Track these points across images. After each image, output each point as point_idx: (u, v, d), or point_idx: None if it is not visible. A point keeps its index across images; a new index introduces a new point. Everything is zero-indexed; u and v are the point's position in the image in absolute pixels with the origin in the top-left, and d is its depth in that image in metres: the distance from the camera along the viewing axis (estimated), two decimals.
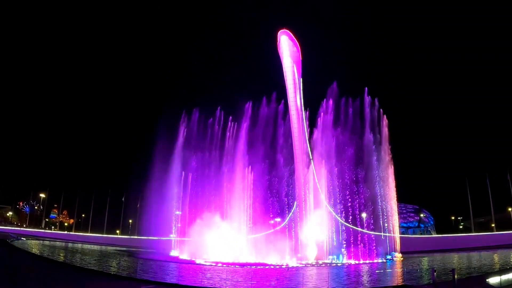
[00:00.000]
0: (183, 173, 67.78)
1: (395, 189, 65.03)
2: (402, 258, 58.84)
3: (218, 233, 60.54)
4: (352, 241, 61.24)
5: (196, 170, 69.01)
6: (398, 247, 61.98)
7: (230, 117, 71.20)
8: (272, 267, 47.80)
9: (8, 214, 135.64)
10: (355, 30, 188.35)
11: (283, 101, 70.01)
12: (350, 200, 62.95)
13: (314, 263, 54.53)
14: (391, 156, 65.41)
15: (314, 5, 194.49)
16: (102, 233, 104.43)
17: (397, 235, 63.52)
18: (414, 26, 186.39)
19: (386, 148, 65.42)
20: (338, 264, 53.21)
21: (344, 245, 60.76)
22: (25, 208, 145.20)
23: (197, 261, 52.77)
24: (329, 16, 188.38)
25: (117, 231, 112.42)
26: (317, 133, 67.63)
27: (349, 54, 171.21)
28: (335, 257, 58.53)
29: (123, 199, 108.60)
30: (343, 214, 63.25)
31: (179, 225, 67.40)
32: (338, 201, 63.30)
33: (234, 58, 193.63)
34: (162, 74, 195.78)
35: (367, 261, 56.99)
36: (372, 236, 62.50)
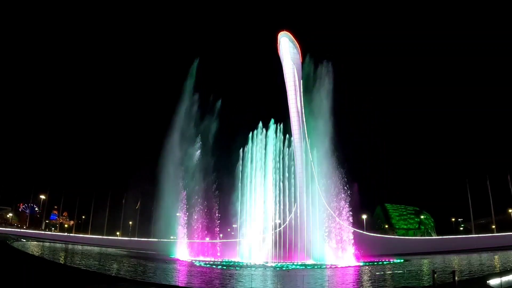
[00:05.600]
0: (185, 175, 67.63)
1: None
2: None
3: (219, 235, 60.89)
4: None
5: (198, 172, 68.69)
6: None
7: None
8: (272, 268, 47.75)
9: (8, 216, 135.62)
10: (355, 29, 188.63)
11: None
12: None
13: (315, 264, 54.50)
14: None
15: (313, 5, 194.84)
16: (102, 235, 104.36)
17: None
18: (416, 25, 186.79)
19: None
20: (339, 266, 53.11)
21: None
22: (26, 210, 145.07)
23: (197, 263, 52.79)
24: (329, 16, 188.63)
25: (117, 233, 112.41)
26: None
27: (350, 54, 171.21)
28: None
29: (123, 201, 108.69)
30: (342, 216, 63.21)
31: (179, 226, 67.49)
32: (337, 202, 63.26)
33: (234, 59, 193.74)
34: (161, 75, 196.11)
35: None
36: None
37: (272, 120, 66.70)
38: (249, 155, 66.17)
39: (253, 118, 70.34)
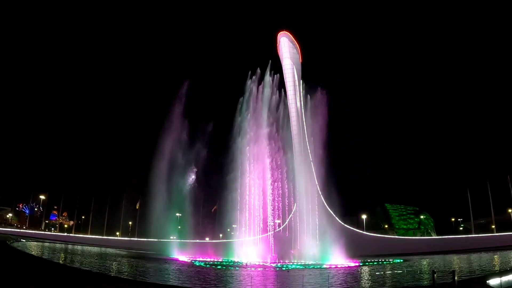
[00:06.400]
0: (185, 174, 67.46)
1: None
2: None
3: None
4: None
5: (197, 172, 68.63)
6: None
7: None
8: (271, 268, 47.71)
9: (8, 216, 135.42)
10: (355, 29, 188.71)
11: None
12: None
13: (314, 264, 54.50)
14: None
15: (313, 5, 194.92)
16: (102, 235, 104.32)
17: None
18: (416, 25, 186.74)
19: None
20: (338, 266, 53.06)
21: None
22: (25, 210, 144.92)
23: (197, 263, 52.78)
24: (328, 15, 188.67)
25: (117, 233, 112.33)
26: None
27: (350, 54, 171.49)
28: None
29: (123, 201, 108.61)
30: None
31: (179, 227, 67.52)
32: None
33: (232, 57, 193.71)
34: (160, 75, 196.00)
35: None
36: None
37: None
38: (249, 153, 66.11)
39: None
